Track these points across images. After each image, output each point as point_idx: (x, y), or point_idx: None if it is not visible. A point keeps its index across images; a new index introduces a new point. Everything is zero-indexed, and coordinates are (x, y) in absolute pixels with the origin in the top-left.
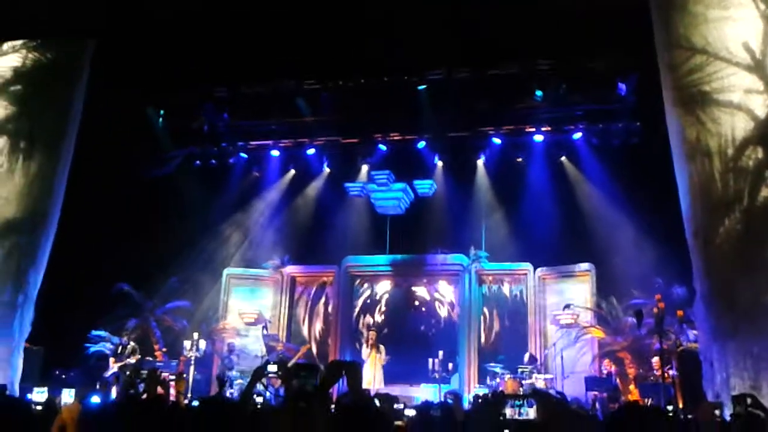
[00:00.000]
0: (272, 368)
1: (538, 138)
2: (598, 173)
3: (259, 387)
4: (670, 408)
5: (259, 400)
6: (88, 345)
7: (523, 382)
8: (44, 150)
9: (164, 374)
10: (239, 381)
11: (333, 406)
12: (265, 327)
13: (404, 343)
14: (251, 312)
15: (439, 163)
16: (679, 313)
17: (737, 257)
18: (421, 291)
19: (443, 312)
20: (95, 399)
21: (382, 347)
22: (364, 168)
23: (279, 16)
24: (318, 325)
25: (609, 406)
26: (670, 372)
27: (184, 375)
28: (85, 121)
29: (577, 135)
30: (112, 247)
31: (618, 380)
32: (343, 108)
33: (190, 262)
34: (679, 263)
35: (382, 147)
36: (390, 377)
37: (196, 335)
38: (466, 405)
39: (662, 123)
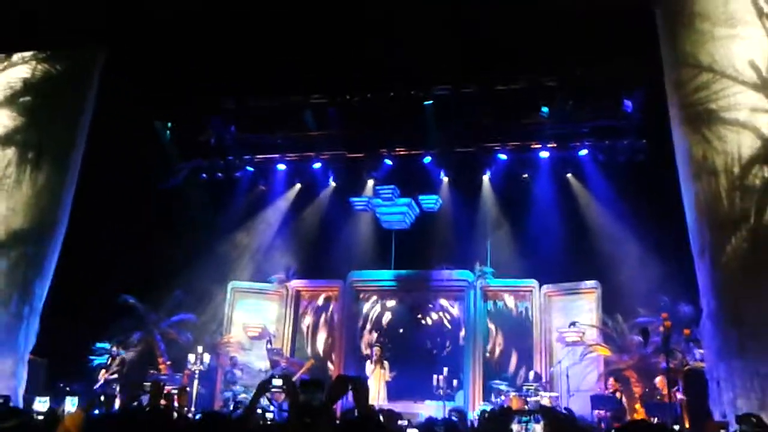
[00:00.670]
0: (277, 382)
1: (544, 154)
2: (604, 190)
3: (263, 401)
4: (676, 427)
5: (268, 416)
6: (92, 357)
7: (528, 399)
8: (52, 161)
9: (167, 387)
10: (243, 395)
11: (338, 421)
12: (269, 341)
13: (409, 359)
14: (256, 325)
15: (445, 179)
16: (686, 331)
17: (744, 276)
18: (426, 307)
19: (448, 328)
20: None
21: (386, 363)
22: (370, 182)
23: (286, 31)
24: (322, 340)
25: (613, 425)
26: (677, 395)
27: (187, 389)
28: (93, 133)
29: (583, 152)
30: (117, 259)
31: (624, 399)
32: (349, 122)
33: (196, 274)
34: (685, 281)
35: (388, 162)
36: (394, 393)
37: (200, 348)
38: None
39: (668, 140)
